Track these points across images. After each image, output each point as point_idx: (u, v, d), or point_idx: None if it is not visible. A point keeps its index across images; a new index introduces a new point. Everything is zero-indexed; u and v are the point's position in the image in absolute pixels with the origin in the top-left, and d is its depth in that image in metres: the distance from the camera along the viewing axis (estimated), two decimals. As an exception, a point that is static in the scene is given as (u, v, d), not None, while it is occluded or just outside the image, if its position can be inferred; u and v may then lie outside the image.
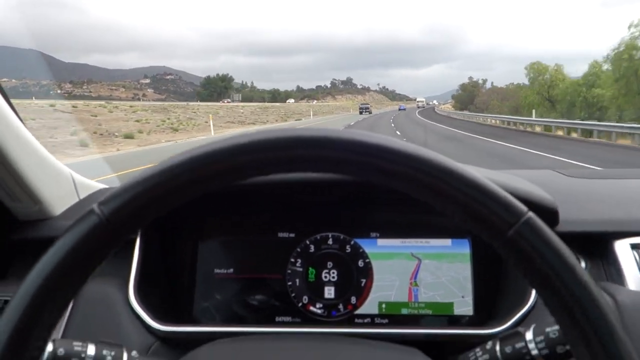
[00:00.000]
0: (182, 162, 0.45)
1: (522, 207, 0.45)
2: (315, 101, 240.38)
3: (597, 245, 0.96)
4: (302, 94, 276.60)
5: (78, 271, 0.45)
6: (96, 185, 1.22)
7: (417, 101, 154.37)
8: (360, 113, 78.73)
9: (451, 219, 0.72)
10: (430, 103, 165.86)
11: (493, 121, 39.26)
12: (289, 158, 0.45)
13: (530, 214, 0.44)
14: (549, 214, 0.91)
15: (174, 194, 0.45)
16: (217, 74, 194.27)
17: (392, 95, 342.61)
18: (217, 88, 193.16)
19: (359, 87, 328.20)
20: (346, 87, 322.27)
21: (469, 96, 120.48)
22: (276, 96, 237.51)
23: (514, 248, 0.44)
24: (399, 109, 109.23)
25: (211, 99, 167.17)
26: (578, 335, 0.42)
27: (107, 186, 1.24)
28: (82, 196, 1.15)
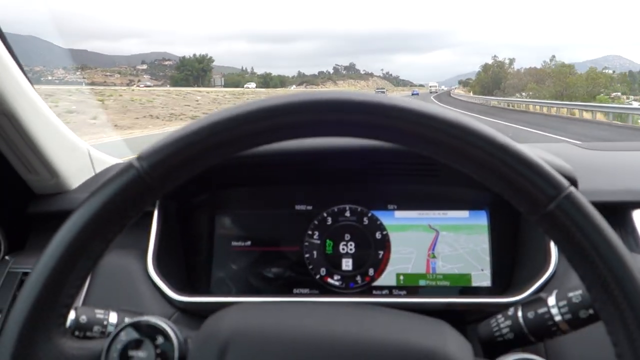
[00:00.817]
0: (220, 120, 0.45)
1: (564, 180, 0.44)
2: (314, 87, 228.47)
3: (615, 215, 0.95)
4: (301, 79, 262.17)
5: (113, 222, 0.46)
6: (113, 160, 1.23)
7: (430, 86, 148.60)
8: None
9: (474, 193, 0.79)
10: (441, 88, 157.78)
11: (547, 109, 31.47)
12: (337, 121, 0.45)
13: (572, 188, 0.43)
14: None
15: (211, 153, 0.45)
16: (194, 54, 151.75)
17: (396, 81, 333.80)
18: (193, 71, 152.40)
19: (362, 72, 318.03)
20: (349, 72, 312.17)
21: (494, 79, 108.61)
22: (268, 81, 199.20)
23: (553, 222, 0.43)
24: (412, 94, 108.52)
25: (186, 83, 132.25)
26: (613, 313, 0.42)
27: (121, 161, 1.25)
28: (98, 171, 1.16)
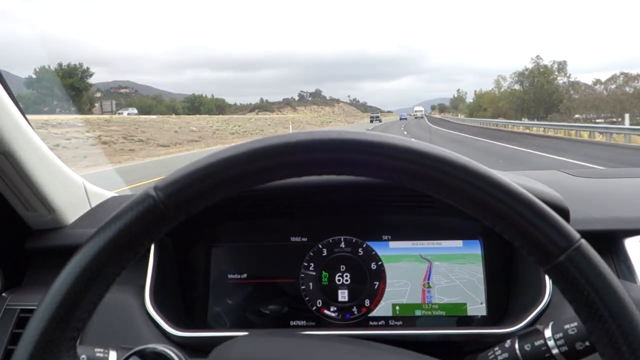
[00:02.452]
0: (237, 154, 0.46)
1: (575, 232, 0.44)
2: (268, 113, 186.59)
3: (607, 243, 0.97)
4: (253, 106, 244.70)
5: (128, 250, 0.46)
6: (107, 193, 1.24)
7: (415, 111, 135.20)
8: (371, 122, 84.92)
9: (468, 223, 0.81)
10: (405, 115, 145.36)
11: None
12: (354, 160, 0.46)
13: (582, 240, 0.44)
14: (561, 214, 0.88)
15: (227, 186, 0.46)
16: (60, 64, 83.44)
17: (364, 108, 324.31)
18: (56, 89, 63.89)
19: (328, 98, 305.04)
20: (315, 98, 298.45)
21: (538, 93, 66.71)
22: (197, 106, 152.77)
23: (563, 273, 0.44)
24: (400, 119, 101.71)
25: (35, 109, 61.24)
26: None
27: (117, 194, 1.26)
28: (93, 205, 1.17)
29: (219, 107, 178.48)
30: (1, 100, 0.89)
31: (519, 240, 0.45)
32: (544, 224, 0.44)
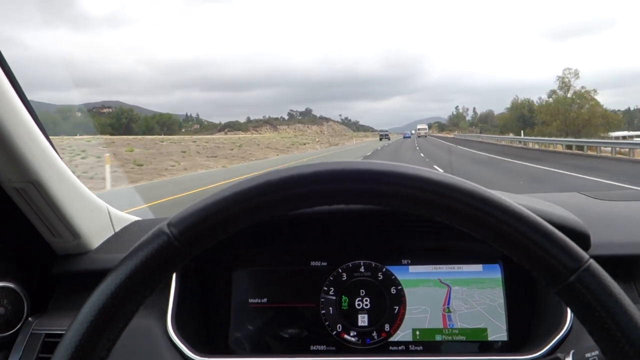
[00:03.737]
0: (251, 188, 0.47)
1: (583, 253, 0.44)
2: (239, 133, 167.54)
3: (629, 267, 0.96)
4: (222, 125, 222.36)
5: (144, 287, 0.47)
6: (130, 217, 1.27)
7: (419, 129, 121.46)
8: (380, 139, 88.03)
9: (488, 247, 0.73)
10: (409, 133, 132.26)
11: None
12: (362, 191, 0.47)
13: (591, 261, 0.44)
14: (582, 239, 0.91)
15: (240, 219, 0.47)
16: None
17: (356, 127, 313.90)
18: None
19: (318, 117, 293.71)
20: (305, 117, 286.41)
21: (566, 116, 53.76)
22: (125, 122, 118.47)
23: (573, 294, 0.44)
24: (404, 137, 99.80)
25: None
26: None
27: (140, 218, 1.29)
28: (117, 229, 1.20)
29: (164, 124, 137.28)
30: (31, 129, 0.90)
31: (527, 262, 0.45)
32: (552, 245, 0.44)
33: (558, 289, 0.44)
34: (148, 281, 0.47)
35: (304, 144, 64.89)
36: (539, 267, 0.45)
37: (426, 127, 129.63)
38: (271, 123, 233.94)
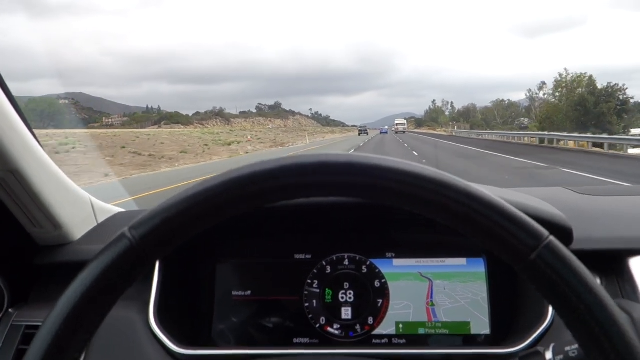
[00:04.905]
0: (212, 186, 0.46)
1: (543, 230, 0.45)
2: (178, 126, 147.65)
3: (612, 263, 0.97)
4: (160, 117, 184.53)
5: (109, 294, 0.46)
6: (114, 209, 1.26)
7: (397, 124, 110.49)
8: (359, 135, 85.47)
9: (472, 241, 0.86)
10: (386, 128, 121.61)
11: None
12: (318, 183, 0.47)
13: (551, 237, 0.45)
14: (564, 233, 0.93)
15: (203, 219, 0.47)
16: None
17: (326, 121, 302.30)
18: None
19: (287, 110, 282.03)
20: (273, 111, 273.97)
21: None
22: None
23: (535, 271, 0.45)
24: (381, 132, 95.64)
25: None
26: (600, 356, 0.43)
27: (123, 210, 1.28)
28: (100, 220, 1.19)
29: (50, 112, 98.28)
30: (10, 118, 0.89)
31: (489, 243, 0.46)
32: (511, 224, 0.45)
33: (520, 267, 0.45)
34: (112, 287, 0.46)
35: (229, 144, 42.61)
36: (500, 246, 0.46)
37: (404, 122, 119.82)
38: (222, 115, 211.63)
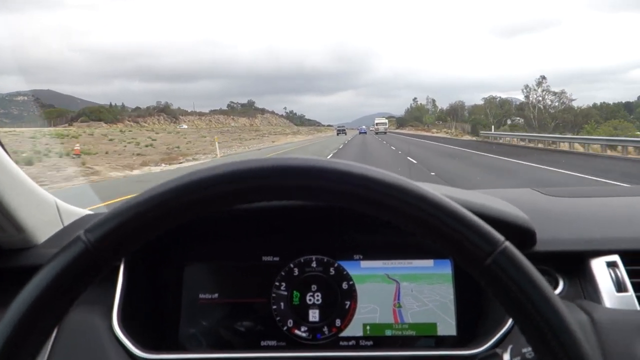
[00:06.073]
0: (167, 190, 0.46)
1: (499, 236, 0.46)
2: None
3: (574, 264, 0.98)
4: (77, 113, 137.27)
5: (64, 297, 0.46)
6: (81, 211, 1.24)
7: (377, 124, 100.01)
8: (338, 134, 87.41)
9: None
10: (364, 128, 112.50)
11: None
12: (281, 187, 0.47)
13: (507, 243, 0.46)
14: (527, 235, 0.94)
15: (160, 222, 0.46)
16: None
17: (300, 120, 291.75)
18: None
19: (259, 109, 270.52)
20: (245, 109, 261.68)
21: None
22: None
23: (491, 276, 0.45)
24: (360, 132, 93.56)
25: None
26: None
27: (91, 212, 1.26)
28: (66, 223, 1.17)
29: None
30: None
31: (448, 247, 0.47)
32: (467, 229, 0.45)
33: (476, 272, 0.46)
34: (66, 290, 0.46)
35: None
36: (457, 251, 0.46)
37: (385, 121, 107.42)
38: (168, 112, 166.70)
